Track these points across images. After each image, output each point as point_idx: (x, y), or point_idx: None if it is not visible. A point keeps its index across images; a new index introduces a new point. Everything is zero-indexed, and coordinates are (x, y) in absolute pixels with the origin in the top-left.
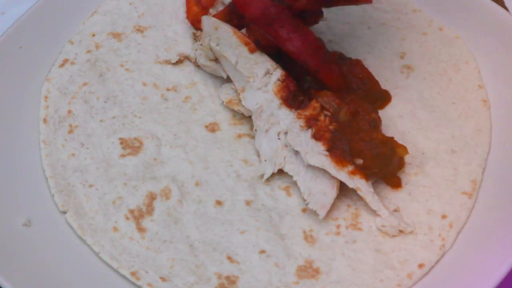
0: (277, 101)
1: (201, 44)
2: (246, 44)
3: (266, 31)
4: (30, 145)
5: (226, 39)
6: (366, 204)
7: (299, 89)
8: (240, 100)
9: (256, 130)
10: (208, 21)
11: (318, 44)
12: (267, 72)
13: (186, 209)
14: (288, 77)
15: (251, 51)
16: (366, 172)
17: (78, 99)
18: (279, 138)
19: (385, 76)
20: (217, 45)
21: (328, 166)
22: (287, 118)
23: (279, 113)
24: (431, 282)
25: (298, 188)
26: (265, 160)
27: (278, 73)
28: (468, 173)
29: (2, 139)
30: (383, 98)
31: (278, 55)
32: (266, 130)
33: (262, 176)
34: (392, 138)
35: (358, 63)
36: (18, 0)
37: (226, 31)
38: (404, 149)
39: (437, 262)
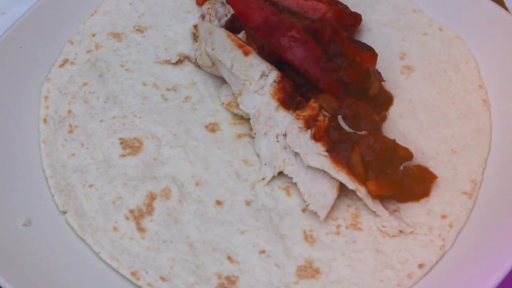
0: (274, 104)
1: (196, 50)
2: (240, 47)
3: (267, 40)
4: (30, 145)
5: (221, 43)
6: (366, 204)
7: (296, 90)
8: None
9: (255, 133)
10: (203, 26)
11: (319, 54)
12: (263, 74)
13: (186, 209)
14: (284, 78)
15: (246, 54)
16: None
17: (78, 99)
18: (278, 141)
19: (385, 77)
20: (213, 49)
21: (328, 167)
22: (285, 120)
23: (276, 115)
24: (431, 282)
25: (298, 188)
26: (265, 164)
27: (274, 74)
28: (468, 173)
29: (2, 139)
30: (389, 100)
31: (280, 63)
32: (265, 133)
33: (262, 180)
34: (394, 140)
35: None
36: (18, 0)
37: (220, 34)
38: (406, 151)
39: (437, 262)
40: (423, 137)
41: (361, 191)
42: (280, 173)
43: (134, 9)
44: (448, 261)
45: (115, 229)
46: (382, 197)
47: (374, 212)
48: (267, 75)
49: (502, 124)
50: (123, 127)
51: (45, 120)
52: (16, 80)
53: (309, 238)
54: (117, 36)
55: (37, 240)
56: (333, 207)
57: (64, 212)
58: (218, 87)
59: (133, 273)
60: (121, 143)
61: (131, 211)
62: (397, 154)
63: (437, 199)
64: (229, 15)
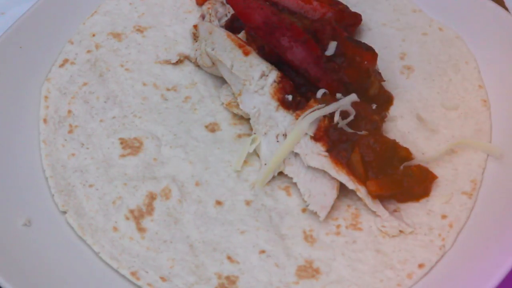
0: (274, 104)
1: (196, 50)
2: (240, 47)
3: (267, 40)
4: (30, 145)
5: (221, 43)
6: (366, 204)
7: (296, 90)
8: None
9: (255, 133)
10: (203, 26)
11: (319, 53)
12: (263, 74)
13: (186, 209)
14: (284, 77)
15: (246, 54)
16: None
17: (78, 99)
18: (278, 141)
19: (385, 77)
20: (213, 49)
21: (328, 167)
22: (285, 120)
23: (276, 115)
24: (431, 282)
25: (298, 188)
26: (265, 164)
27: (274, 74)
28: (468, 173)
29: (2, 139)
30: (389, 100)
31: (280, 63)
32: (265, 133)
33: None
34: (394, 140)
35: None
36: (18, 0)
37: (220, 34)
38: (406, 151)
39: (437, 262)
40: (423, 137)
41: (361, 191)
42: (280, 173)
43: (134, 9)
44: (448, 261)
45: (115, 229)
46: (382, 197)
47: (374, 212)
48: (267, 75)
49: (502, 124)
50: (123, 127)
51: (45, 120)
52: (16, 80)
53: (309, 238)
54: (117, 36)
55: (37, 240)
56: (333, 207)
57: (64, 212)
58: (218, 87)
59: (133, 273)
60: (121, 143)
61: (131, 211)
62: (397, 154)
63: (437, 199)
64: (229, 15)
